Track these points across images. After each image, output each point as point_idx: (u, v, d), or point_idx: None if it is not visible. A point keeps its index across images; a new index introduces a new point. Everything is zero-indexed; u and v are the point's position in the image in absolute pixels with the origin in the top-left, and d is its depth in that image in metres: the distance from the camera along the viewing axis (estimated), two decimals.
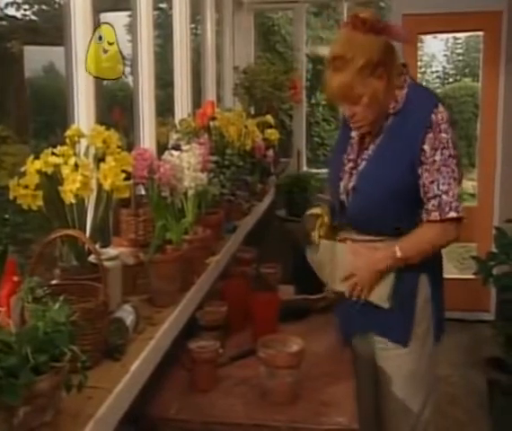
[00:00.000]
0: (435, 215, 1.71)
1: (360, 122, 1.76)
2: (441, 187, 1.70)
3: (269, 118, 3.57)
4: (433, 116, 1.70)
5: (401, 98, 1.76)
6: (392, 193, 1.74)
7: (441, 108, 1.72)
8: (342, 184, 1.84)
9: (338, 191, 1.86)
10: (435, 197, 1.71)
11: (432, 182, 1.71)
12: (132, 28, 2.39)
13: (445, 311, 1.91)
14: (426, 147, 1.70)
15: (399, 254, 1.75)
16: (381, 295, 1.79)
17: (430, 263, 1.83)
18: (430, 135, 1.70)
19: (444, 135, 1.70)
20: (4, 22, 3.21)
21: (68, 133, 1.43)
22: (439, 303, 1.87)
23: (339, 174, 1.86)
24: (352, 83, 1.67)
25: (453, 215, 1.70)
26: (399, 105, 1.76)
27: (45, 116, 3.39)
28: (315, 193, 4.14)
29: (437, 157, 1.70)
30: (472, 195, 5.06)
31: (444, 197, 1.70)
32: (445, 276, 1.93)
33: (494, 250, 3.26)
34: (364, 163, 1.81)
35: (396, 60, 1.75)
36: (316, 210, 1.95)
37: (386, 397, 1.89)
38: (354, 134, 1.87)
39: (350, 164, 1.84)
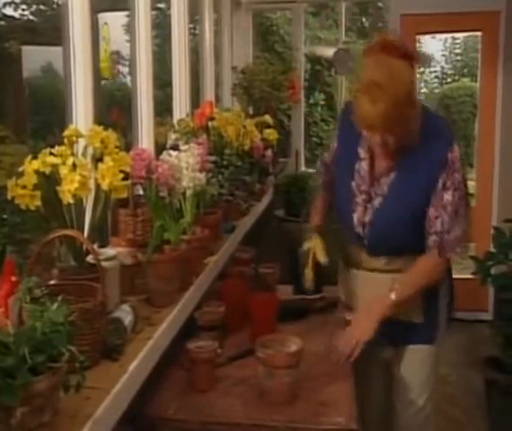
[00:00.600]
0: (434, 253, 1.75)
1: (390, 147, 1.70)
2: (445, 226, 1.73)
3: (267, 118, 3.56)
4: (449, 155, 1.71)
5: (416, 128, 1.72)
6: (410, 225, 1.77)
7: (455, 147, 1.73)
8: (356, 216, 1.84)
9: (352, 224, 1.86)
10: (436, 233, 1.74)
11: (436, 218, 1.73)
12: (130, 28, 2.39)
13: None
14: (438, 185, 1.72)
15: (393, 297, 1.75)
16: (416, 314, 1.84)
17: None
18: (444, 174, 1.71)
19: (457, 175, 1.72)
20: (1, 22, 3.20)
21: (66, 133, 1.43)
22: (452, 292, 1.93)
23: (351, 207, 1.84)
24: (391, 113, 1.60)
25: (451, 255, 1.77)
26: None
27: (43, 116, 3.38)
28: (312, 194, 4.13)
29: (447, 196, 1.72)
30: (471, 195, 5.06)
31: (445, 236, 1.73)
32: None
33: (492, 249, 3.26)
34: (380, 199, 1.80)
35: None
36: (309, 244, 1.97)
37: (398, 392, 1.95)
38: (364, 163, 1.82)
39: (363, 196, 1.82)
